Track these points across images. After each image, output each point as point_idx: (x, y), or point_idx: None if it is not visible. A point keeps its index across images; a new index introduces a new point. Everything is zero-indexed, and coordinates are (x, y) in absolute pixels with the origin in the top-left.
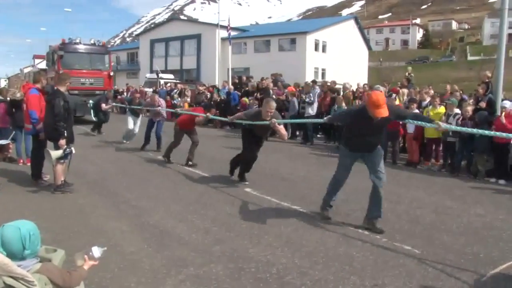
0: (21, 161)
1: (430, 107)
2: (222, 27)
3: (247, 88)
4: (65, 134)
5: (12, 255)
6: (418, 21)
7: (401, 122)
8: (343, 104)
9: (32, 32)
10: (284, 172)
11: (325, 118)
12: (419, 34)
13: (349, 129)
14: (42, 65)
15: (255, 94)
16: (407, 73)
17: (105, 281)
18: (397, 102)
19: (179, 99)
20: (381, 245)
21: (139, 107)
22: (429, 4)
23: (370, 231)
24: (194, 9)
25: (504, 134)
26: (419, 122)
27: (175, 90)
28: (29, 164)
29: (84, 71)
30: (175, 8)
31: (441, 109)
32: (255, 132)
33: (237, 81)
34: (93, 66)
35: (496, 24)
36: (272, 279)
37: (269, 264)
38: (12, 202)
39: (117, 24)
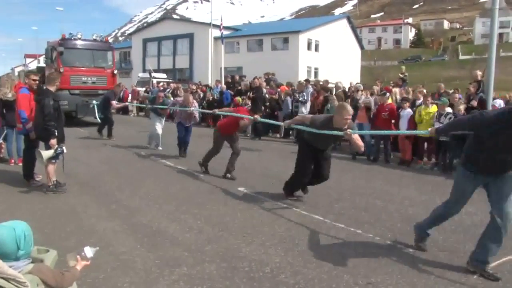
0: (13, 161)
1: (422, 106)
2: (215, 26)
3: (239, 87)
4: (56, 134)
5: (5, 256)
6: (410, 20)
7: (393, 121)
8: (336, 103)
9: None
10: (277, 171)
11: (430, 129)
12: (411, 34)
13: (480, 142)
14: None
15: (248, 93)
16: (400, 73)
17: (98, 281)
18: (389, 101)
19: (172, 99)
20: (373, 244)
21: (163, 106)
22: (421, 3)
23: (362, 230)
24: (187, 8)
25: None
26: None
27: (168, 90)
28: (20, 164)
29: (85, 69)
30: (168, 7)
31: (433, 108)
32: (315, 144)
33: (229, 80)
34: (95, 64)
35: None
36: (266, 278)
37: (262, 263)
38: (3, 202)
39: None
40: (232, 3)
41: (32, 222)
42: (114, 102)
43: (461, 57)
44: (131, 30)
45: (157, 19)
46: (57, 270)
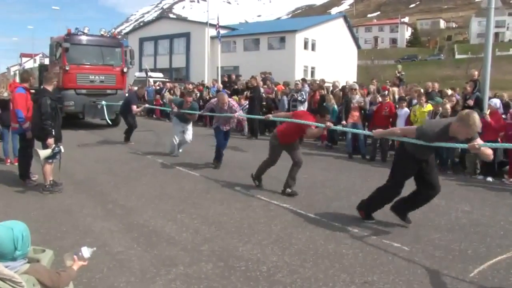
0: (9, 160)
1: (417, 106)
2: (212, 25)
3: (236, 87)
4: (53, 133)
5: (2, 256)
6: (406, 19)
7: (391, 120)
8: (333, 102)
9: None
10: (272, 171)
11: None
12: (408, 33)
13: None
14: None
15: (245, 92)
16: (397, 72)
17: (94, 281)
18: (387, 100)
19: (169, 97)
20: (370, 243)
21: (192, 111)
22: (417, 3)
23: (359, 229)
24: (183, 7)
25: None
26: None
27: (164, 89)
28: (16, 163)
29: (93, 66)
30: (164, 7)
31: (428, 107)
32: (421, 156)
33: (226, 79)
34: (103, 61)
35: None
36: (262, 277)
37: (259, 262)
38: None
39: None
40: (229, 2)
41: (28, 222)
42: (134, 107)
43: (457, 56)
44: (128, 29)
45: (154, 18)
46: (53, 270)
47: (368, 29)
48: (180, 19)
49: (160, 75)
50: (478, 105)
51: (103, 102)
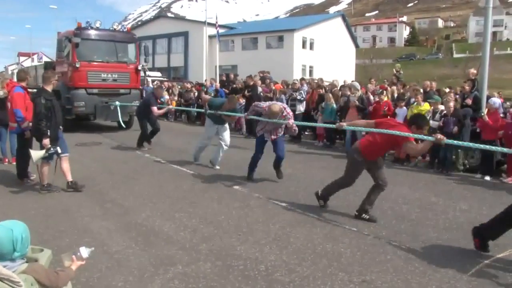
0: (6, 160)
1: (414, 104)
2: (210, 24)
3: (234, 86)
4: (48, 134)
5: (0, 256)
6: (404, 18)
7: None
8: (332, 101)
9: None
10: (270, 170)
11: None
12: (406, 32)
13: None
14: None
15: (243, 91)
16: (395, 71)
17: (92, 280)
18: (385, 99)
19: (167, 97)
20: (368, 242)
21: (234, 113)
22: (415, 2)
23: (357, 228)
24: (182, 6)
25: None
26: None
27: (163, 88)
28: (14, 163)
29: (105, 63)
30: (162, 6)
31: (426, 106)
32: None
33: (224, 78)
34: (116, 58)
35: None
36: (260, 276)
37: (257, 261)
38: None
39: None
40: (227, 1)
41: (26, 221)
42: (155, 108)
43: (455, 55)
44: None
45: (152, 17)
46: (51, 269)
47: (366, 28)
48: (178, 18)
49: (158, 74)
50: (476, 104)
51: (117, 103)
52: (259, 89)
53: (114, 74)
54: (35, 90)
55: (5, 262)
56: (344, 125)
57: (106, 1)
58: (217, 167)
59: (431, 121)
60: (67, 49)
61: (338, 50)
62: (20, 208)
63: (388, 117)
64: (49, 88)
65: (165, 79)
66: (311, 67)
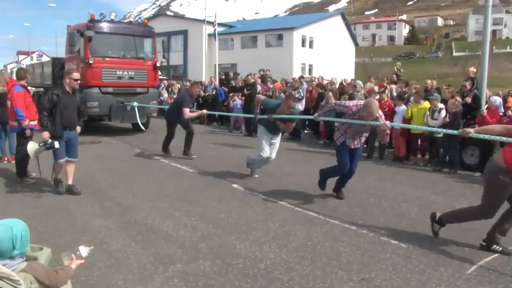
0: (6, 159)
1: (414, 103)
2: (209, 23)
3: (233, 84)
4: (47, 127)
5: (0, 254)
6: (404, 17)
7: (388, 117)
8: (332, 99)
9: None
10: (270, 168)
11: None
12: (405, 30)
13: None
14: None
15: (243, 90)
16: (396, 68)
17: (92, 279)
18: (386, 98)
19: (166, 95)
20: (367, 240)
21: (291, 116)
22: (415, 0)
23: (356, 226)
24: (181, 5)
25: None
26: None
27: (162, 86)
28: (13, 162)
29: (121, 60)
30: (162, 4)
31: (426, 104)
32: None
33: (223, 77)
34: (133, 54)
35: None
36: (260, 274)
37: (256, 259)
38: None
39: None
40: (226, 0)
41: (25, 220)
42: (187, 110)
43: (454, 53)
44: None
45: (151, 15)
46: (51, 268)
47: (365, 27)
48: (178, 16)
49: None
50: (476, 103)
51: (135, 103)
52: (259, 87)
53: (130, 71)
54: (41, 88)
55: (4, 260)
56: (472, 131)
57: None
58: (256, 175)
59: (431, 120)
60: (78, 44)
61: (338, 48)
62: (19, 207)
63: (388, 117)
64: (65, 84)
65: (164, 77)
66: (310, 65)
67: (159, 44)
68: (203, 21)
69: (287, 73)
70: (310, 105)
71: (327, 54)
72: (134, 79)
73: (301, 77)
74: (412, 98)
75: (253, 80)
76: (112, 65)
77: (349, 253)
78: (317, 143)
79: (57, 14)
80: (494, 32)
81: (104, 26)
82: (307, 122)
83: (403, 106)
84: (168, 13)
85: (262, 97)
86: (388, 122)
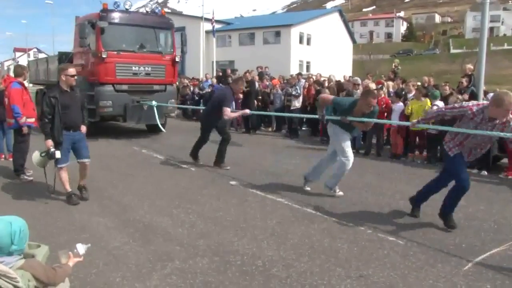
0: (3, 156)
1: (414, 100)
2: (207, 20)
3: (230, 81)
4: (49, 134)
5: None
6: (401, 14)
7: (385, 114)
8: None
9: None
10: (268, 166)
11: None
12: (403, 27)
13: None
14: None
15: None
16: (393, 66)
17: (90, 276)
18: (383, 95)
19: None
20: (365, 237)
21: (369, 119)
22: None
23: (354, 223)
24: (178, 1)
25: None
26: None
27: None
28: (11, 159)
29: (137, 54)
30: (159, 1)
31: (426, 101)
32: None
33: (221, 74)
34: (150, 47)
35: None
36: (258, 271)
37: (254, 257)
38: None
39: None
40: None
41: (23, 217)
42: (228, 110)
43: (452, 51)
44: None
45: None
46: (48, 265)
47: (363, 24)
48: (175, 13)
49: None
50: (473, 100)
51: (154, 102)
52: (256, 84)
53: (147, 66)
54: (39, 86)
55: (2, 257)
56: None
57: None
58: (340, 192)
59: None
60: (89, 37)
61: (335, 45)
62: (17, 205)
63: (385, 114)
64: (61, 83)
65: None
66: (308, 62)
67: (177, 37)
68: (201, 18)
69: (285, 70)
70: (307, 102)
71: (324, 51)
72: (151, 75)
73: (299, 74)
74: (410, 95)
75: (251, 78)
76: (127, 60)
77: (347, 250)
78: (315, 139)
79: (54, 12)
80: (491, 29)
81: (119, 16)
82: (304, 120)
83: (400, 104)
84: (166, 10)
85: (330, 97)
86: None
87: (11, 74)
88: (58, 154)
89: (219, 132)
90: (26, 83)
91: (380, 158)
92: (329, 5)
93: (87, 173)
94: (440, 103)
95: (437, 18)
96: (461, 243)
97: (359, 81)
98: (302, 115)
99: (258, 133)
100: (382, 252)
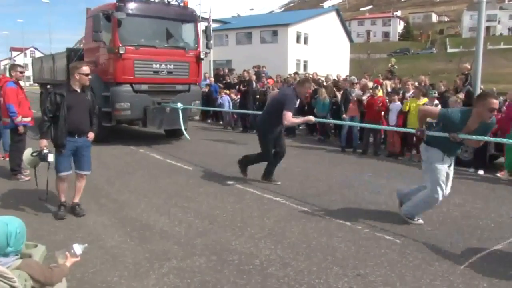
0: (0, 155)
1: (413, 98)
2: (204, 19)
3: (228, 81)
4: (44, 132)
5: None
6: (399, 13)
7: (382, 113)
8: (325, 96)
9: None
10: (265, 164)
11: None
12: (400, 26)
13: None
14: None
15: (238, 86)
16: (390, 65)
17: (88, 275)
18: (380, 94)
19: None
20: (362, 236)
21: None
22: None
23: (351, 222)
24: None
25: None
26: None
27: None
28: (7, 159)
29: (158, 50)
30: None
31: (424, 101)
32: None
33: (222, 73)
34: (172, 42)
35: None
36: (255, 270)
37: (252, 256)
38: None
39: None
40: None
41: (19, 217)
42: (289, 115)
43: (449, 50)
44: None
45: None
46: (45, 265)
47: (360, 23)
48: None
49: None
50: (469, 99)
51: (179, 105)
52: (254, 84)
53: (169, 64)
54: (49, 85)
55: None
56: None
57: None
58: (420, 220)
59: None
60: (103, 30)
61: (333, 44)
62: (13, 205)
63: (382, 113)
64: (72, 82)
65: None
66: (305, 61)
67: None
68: (198, 17)
69: (282, 70)
70: (305, 101)
71: (322, 50)
72: (173, 74)
73: (296, 73)
74: (407, 94)
75: (248, 77)
76: (147, 57)
77: (344, 249)
78: (311, 139)
79: (51, 10)
80: (488, 28)
81: (138, 7)
82: None
83: (398, 103)
84: None
85: (435, 109)
86: None
87: (7, 74)
88: (51, 157)
89: (263, 142)
90: (21, 83)
91: (378, 157)
92: (326, 4)
93: (82, 187)
94: (436, 102)
95: (434, 18)
96: (458, 241)
97: (356, 79)
98: (354, 123)
99: (256, 133)
100: (379, 251)
